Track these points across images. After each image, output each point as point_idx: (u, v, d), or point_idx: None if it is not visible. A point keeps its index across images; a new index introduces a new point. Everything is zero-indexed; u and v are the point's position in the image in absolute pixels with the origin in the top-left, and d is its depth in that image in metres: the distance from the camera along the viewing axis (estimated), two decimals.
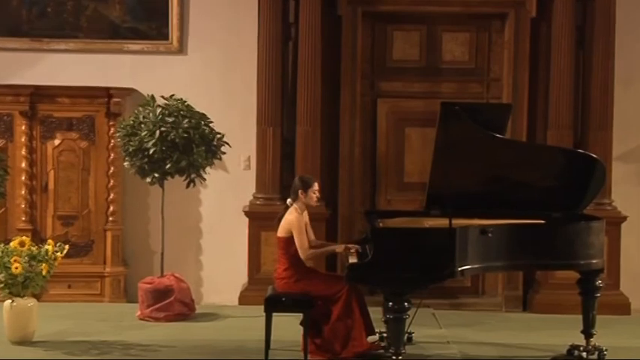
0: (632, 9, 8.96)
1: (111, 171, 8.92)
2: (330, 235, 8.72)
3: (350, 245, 7.00)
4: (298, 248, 6.77)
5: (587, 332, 7.05)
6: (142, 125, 8.10)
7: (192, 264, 9.19)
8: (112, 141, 8.81)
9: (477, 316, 8.60)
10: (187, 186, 8.30)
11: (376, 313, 7.03)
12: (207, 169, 8.34)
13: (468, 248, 6.39)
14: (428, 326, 7.98)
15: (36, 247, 7.33)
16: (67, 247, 7.44)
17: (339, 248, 7.04)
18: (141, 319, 8.18)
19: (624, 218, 8.78)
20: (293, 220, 6.83)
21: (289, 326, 7.14)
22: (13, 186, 8.80)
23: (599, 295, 7.05)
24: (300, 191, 6.93)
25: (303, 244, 6.79)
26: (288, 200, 7.00)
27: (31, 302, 7.35)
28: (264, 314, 6.82)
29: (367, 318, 6.83)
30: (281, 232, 6.90)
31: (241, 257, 8.87)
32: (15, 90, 8.80)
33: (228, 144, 8.35)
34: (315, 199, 6.99)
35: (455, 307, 8.90)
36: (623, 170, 9.01)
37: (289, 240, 6.83)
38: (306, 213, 7.02)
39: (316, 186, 7.00)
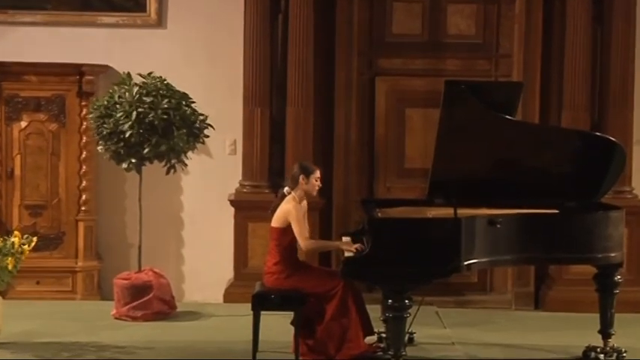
0: None
1: (83, 156, 8.91)
2: (324, 226, 8.74)
3: (348, 243, 7.00)
4: (298, 237, 6.77)
5: (605, 332, 7.08)
6: (118, 106, 8.09)
7: (172, 258, 9.19)
8: (85, 123, 8.80)
9: (484, 315, 8.63)
10: (167, 172, 8.30)
11: (374, 312, 7.05)
12: (189, 153, 8.34)
13: (475, 240, 6.41)
14: (431, 326, 8.01)
15: (1, 239, 7.32)
16: (35, 239, 7.42)
17: (344, 245, 7.00)
18: (116, 319, 8.19)
19: None
20: (290, 208, 6.84)
21: (279, 326, 7.16)
22: None
23: (617, 291, 7.09)
24: (301, 177, 6.93)
25: (302, 233, 6.80)
26: (286, 189, 7.00)
27: None
28: (251, 313, 6.84)
29: (364, 317, 6.84)
30: (275, 221, 6.91)
31: (227, 250, 8.88)
32: None
33: (211, 126, 8.35)
34: (317, 187, 7.01)
35: (460, 304, 8.93)
36: None
37: (284, 231, 6.83)
38: (305, 203, 7.03)
39: (318, 173, 7.03)
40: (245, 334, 7.03)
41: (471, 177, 6.70)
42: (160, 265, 8.69)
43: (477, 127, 6.69)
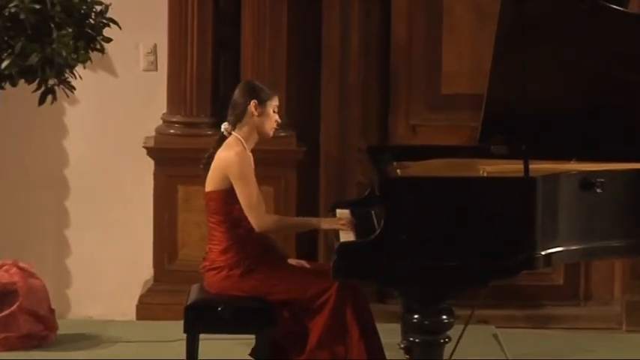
0: None
1: None
2: (306, 192, 8.79)
3: (339, 219, 7.06)
4: (246, 209, 6.78)
5: None
6: None
7: (50, 245, 9.25)
8: None
9: (575, 339, 8.73)
10: (41, 101, 8.31)
11: (391, 335, 7.10)
12: (79, 68, 8.36)
13: (559, 215, 6.46)
14: (485, 355, 8.11)
15: None
16: None
17: (325, 223, 7.08)
18: None
19: None
20: (232, 158, 6.81)
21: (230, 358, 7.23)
22: None
23: None
24: (252, 103, 6.91)
25: (252, 201, 6.77)
26: (224, 125, 6.99)
27: None
28: (183, 336, 6.89)
29: (372, 342, 6.88)
30: (212, 182, 6.90)
31: (141, 233, 8.95)
32: None
33: (116, 23, 8.36)
34: (274, 122, 7.00)
35: (535, 323, 9.03)
36: None
37: (227, 196, 6.85)
38: (251, 156, 7.00)
39: (276, 100, 7.01)
40: None
41: (551, 110, 6.74)
42: (31, 257, 8.75)
43: (562, 25, 6.72)
